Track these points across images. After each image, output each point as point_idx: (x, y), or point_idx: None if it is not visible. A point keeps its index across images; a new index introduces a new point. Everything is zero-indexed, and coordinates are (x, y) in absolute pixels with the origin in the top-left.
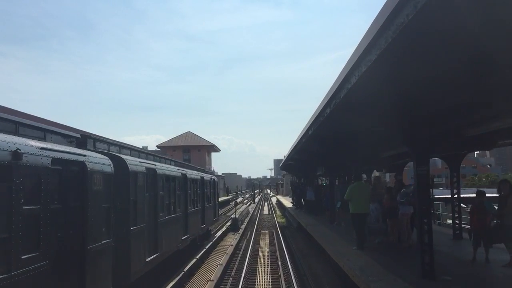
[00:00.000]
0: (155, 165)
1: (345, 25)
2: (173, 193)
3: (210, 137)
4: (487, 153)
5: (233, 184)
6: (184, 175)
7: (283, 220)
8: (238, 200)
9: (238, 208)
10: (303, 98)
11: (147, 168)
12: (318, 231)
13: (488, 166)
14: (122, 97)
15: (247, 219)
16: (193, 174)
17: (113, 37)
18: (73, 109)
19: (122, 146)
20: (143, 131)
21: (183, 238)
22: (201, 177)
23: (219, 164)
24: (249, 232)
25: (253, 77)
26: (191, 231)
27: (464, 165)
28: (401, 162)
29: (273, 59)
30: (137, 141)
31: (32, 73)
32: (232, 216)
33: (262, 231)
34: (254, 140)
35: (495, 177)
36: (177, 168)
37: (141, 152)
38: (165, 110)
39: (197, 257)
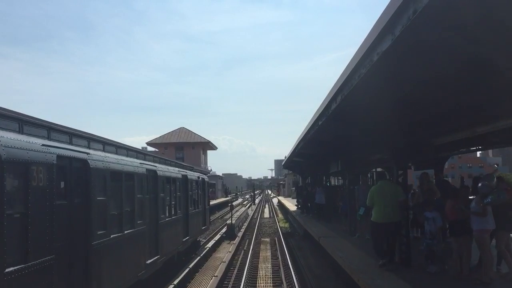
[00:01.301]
0: (87, 154)
1: (345, 26)
2: (130, 197)
3: (211, 138)
4: (489, 152)
5: (233, 184)
6: (152, 172)
7: (286, 225)
8: (235, 203)
9: (237, 211)
10: (304, 99)
11: (62, 157)
12: (338, 248)
13: (496, 166)
14: (122, 98)
15: (245, 224)
16: (169, 171)
17: (113, 38)
18: (73, 110)
19: (26, 121)
20: (144, 131)
21: (149, 261)
22: (182, 175)
23: (220, 165)
24: (247, 240)
25: (253, 77)
26: (165, 249)
27: (470, 165)
28: (444, 156)
29: (273, 60)
30: (137, 141)
31: (33, 75)
32: (227, 222)
33: (262, 239)
34: (255, 141)
35: (506, 176)
36: (139, 161)
37: (80, 137)
38: (166, 111)
39: (175, 283)
